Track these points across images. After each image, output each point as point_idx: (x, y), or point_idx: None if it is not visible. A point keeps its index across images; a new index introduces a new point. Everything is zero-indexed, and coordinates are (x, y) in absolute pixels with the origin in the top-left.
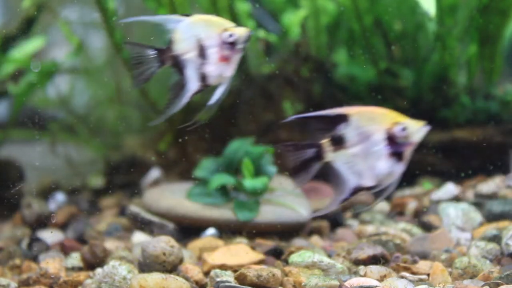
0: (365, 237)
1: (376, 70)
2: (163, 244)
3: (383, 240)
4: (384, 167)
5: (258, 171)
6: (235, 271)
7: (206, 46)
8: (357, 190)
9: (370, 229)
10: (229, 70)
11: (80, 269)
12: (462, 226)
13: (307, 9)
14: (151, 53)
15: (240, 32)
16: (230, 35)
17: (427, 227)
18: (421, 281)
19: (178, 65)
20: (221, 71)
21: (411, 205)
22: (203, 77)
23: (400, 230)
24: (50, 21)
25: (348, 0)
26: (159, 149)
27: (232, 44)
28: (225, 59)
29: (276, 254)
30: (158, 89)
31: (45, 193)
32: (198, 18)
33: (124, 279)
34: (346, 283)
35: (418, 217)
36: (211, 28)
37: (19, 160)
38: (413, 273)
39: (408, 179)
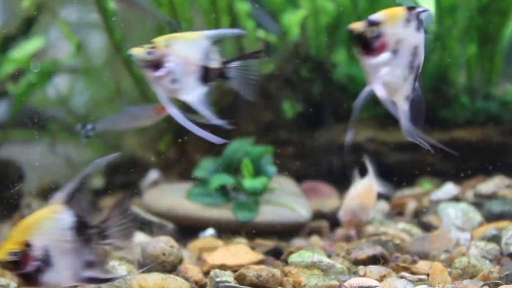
0: (364, 237)
1: None
2: (163, 244)
3: (382, 240)
4: None
5: (257, 171)
6: (234, 271)
7: None
8: None
9: (369, 229)
10: None
11: None
12: (462, 226)
13: (307, 9)
14: None
15: None
16: None
17: (427, 227)
18: (420, 281)
19: None
20: None
21: (411, 205)
22: None
23: (400, 230)
24: (50, 21)
25: (348, 0)
26: (159, 149)
27: None
28: None
29: (276, 254)
30: None
31: (45, 193)
32: None
33: (123, 279)
34: (345, 283)
35: (417, 217)
36: None
37: (19, 160)
38: (413, 273)
39: (407, 179)
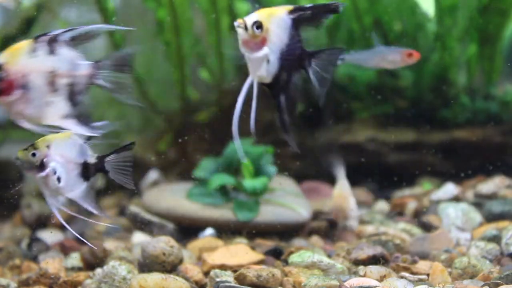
0: (364, 237)
1: (376, 70)
2: (163, 244)
3: (382, 240)
4: None
5: (258, 171)
6: (234, 271)
7: None
8: None
9: (369, 229)
10: None
11: (80, 269)
12: (462, 226)
13: None
14: None
15: None
16: None
17: (427, 227)
18: (420, 281)
19: None
20: None
21: (411, 205)
22: None
23: (400, 230)
24: (50, 21)
25: (348, 0)
26: (159, 149)
27: None
28: None
29: (276, 254)
30: (158, 89)
31: None
32: None
33: (124, 279)
34: (345, 283)
35: (418, 217)
36: None
37: None
38: (413, 273)
39: (408, 179)
